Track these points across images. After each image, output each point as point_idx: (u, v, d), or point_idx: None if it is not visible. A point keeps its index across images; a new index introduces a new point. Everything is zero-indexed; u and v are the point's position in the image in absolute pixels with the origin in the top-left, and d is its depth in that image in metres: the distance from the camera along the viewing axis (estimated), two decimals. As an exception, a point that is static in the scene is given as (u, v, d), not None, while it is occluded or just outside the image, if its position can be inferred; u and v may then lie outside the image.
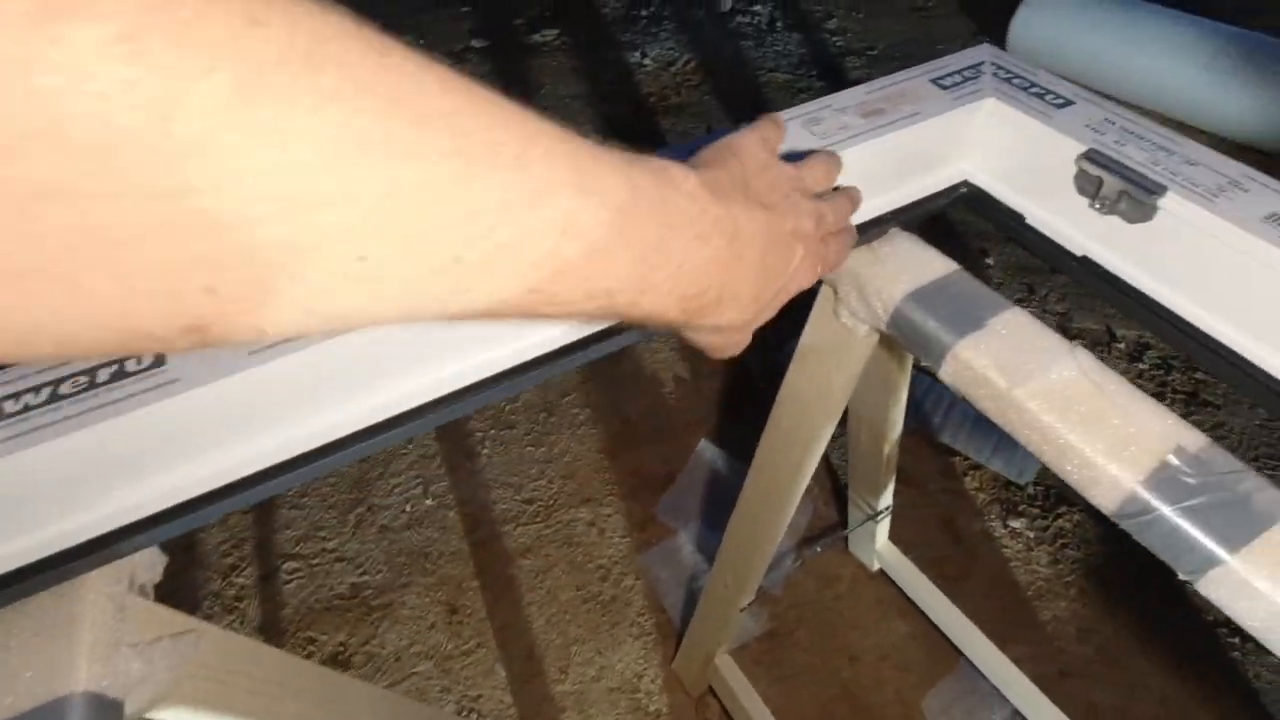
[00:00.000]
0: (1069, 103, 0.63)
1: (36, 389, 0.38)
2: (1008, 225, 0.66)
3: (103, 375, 0.39)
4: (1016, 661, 1.20)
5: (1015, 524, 1.54)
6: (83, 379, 0.39)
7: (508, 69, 2.95)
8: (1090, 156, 0.58)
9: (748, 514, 0.95)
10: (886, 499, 1.24)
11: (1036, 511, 1.56)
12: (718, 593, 1.10)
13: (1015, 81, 0.65)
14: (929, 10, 3.23)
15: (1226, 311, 0.54)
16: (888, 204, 0.63)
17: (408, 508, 1.64)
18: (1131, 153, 0.58)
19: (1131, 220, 0.58)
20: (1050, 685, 1.19)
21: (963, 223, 2.20)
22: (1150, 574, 1.39)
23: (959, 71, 0.66)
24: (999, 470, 1.59)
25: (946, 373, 0.55)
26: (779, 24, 3.18)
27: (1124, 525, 0.47)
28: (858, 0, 3.26)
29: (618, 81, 2.89)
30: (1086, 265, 0.61)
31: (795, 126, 0.59)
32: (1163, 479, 0.45)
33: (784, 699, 1.31)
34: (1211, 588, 0.44)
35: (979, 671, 1.22)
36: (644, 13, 3.21)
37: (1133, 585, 1.45)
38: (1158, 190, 0.55)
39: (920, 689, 1.32)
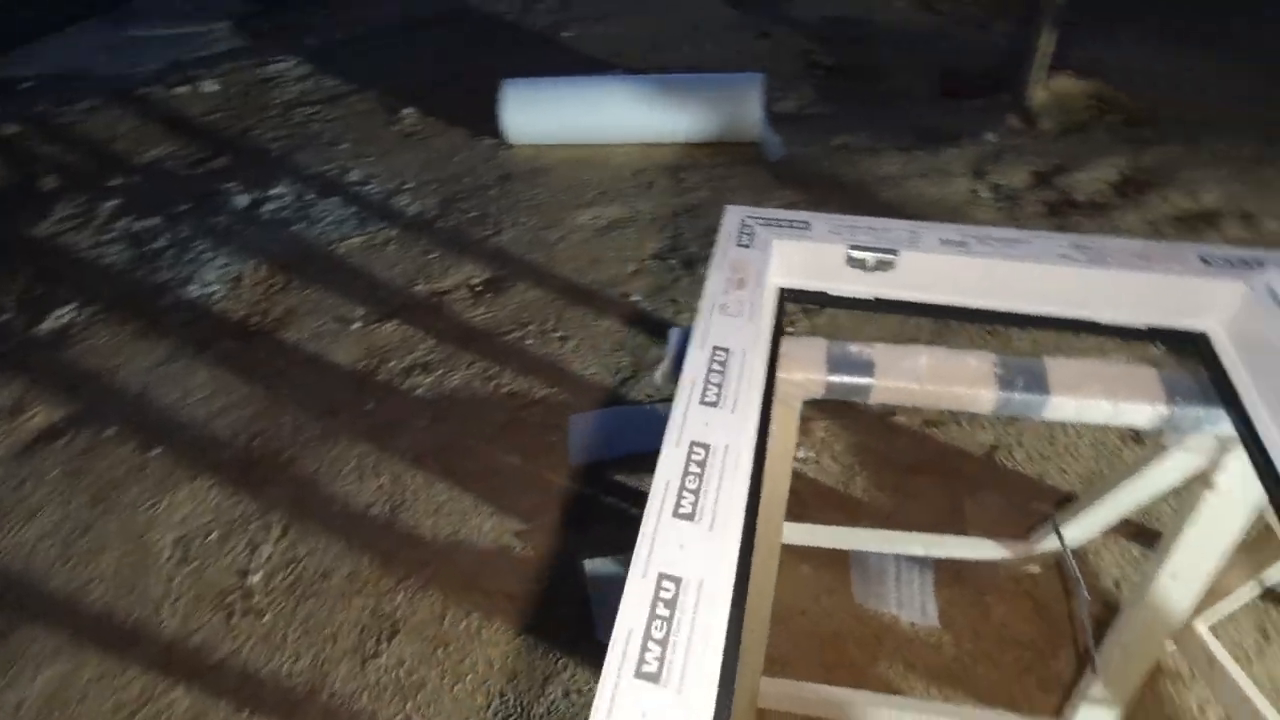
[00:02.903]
0: (808, 225, 0.99)
1: None
2: (819, 300, 1.00)
3: None
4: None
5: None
6: None
7: None
8: (852, 249, 0.95)
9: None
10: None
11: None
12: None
13: (778, 226, 0.99)
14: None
15: (954, 292, 0.97)
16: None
17: None
18: (860, 238, 0.97)
19: (885, 269, 0.97)
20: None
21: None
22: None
23: (734, 233, 0.98)
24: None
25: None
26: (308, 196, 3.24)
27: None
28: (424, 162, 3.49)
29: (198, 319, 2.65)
30: (878, 301, 0.99)
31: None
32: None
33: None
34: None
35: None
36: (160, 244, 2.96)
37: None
38: (894, 251, 0.95)
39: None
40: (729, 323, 0.87)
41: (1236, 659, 1.47)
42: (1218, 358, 0.90)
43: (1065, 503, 1.77)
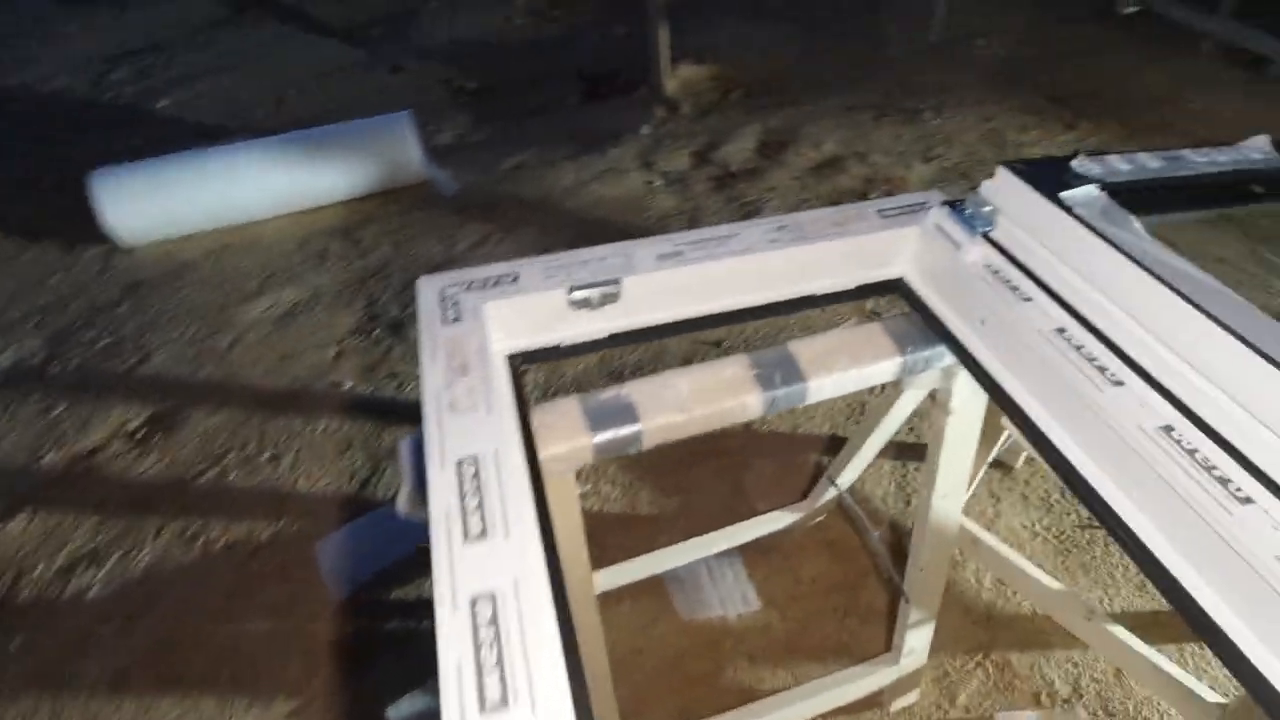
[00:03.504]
0: (516, 276, 0.86)
1: None
2: (552, 355, 0.88)
3: None
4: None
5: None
6: None
7: None
8: (572, 291, 0.85)
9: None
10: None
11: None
12: None
13: (483, 288, 0.84)
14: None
15: (687, 303, 0.92)
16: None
17: None
18: (578, 275, 0.87)
19: (612, 301, 0.88)
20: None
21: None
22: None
23: (436, 309, 0.82)
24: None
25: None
26: None
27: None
28: None
29: None
30: (613, 337, 0.90)
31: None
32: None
33: None
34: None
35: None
36: None
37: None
38: (616, 281, 0.86)
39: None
40: (465, 423, 0.70)
41: (983, 525, 1.70)
42: (916, 295, 0.97)
43: (825, 449, 1.89)
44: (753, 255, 0.91)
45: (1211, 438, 0.66)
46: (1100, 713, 1.45)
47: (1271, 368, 0.62)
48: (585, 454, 0.82)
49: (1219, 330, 0.66)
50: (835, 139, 3.35)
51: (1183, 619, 0.64)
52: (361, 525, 1.88)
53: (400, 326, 2.45)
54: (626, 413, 0.83)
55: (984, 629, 1.57)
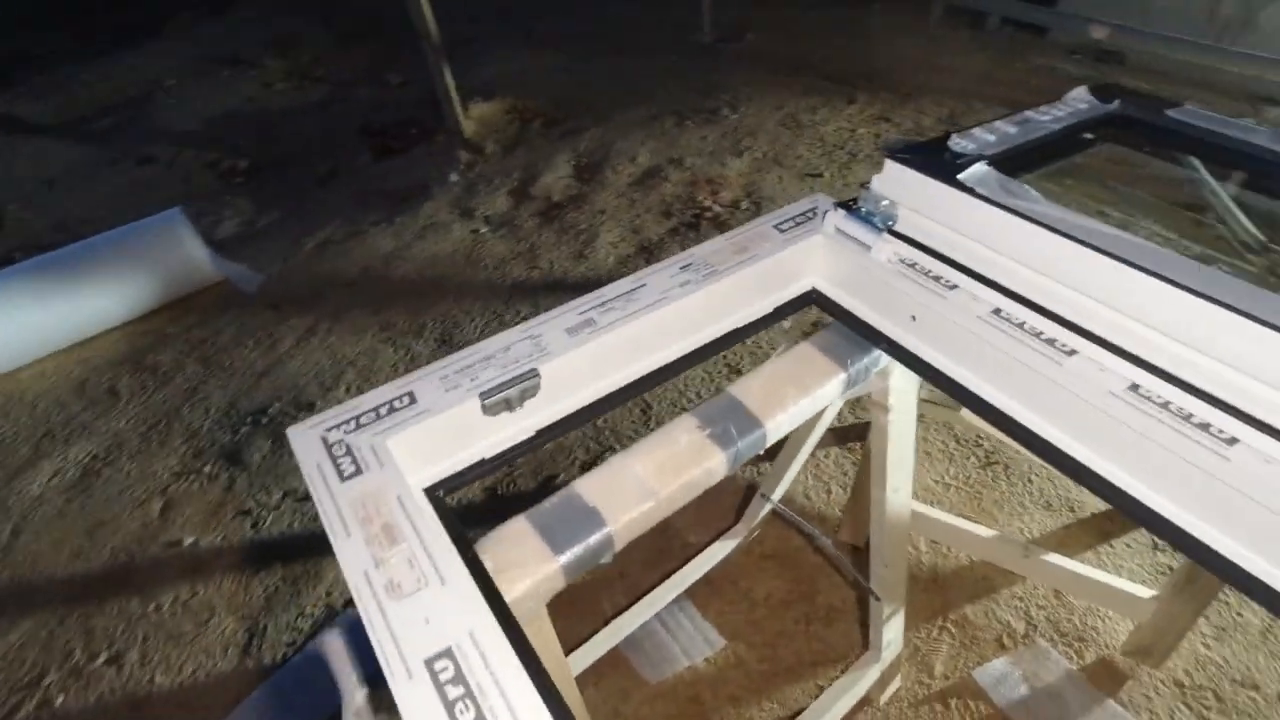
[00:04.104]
0: (413, 396, 0.71)
1: None
2: (478, 474, 0.74)
3: None
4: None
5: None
6: None
7: None
8: (484, 397, 0.71)
9: None
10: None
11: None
12: None
13: (373, 421, 0.68)
14: None
15: (612, 374, 0.81)
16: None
17: None
18: (486, 376, 0.73)
19: (532, 395, 0.75)
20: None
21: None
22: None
23: (324, 466, 0.65)
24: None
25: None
26: None
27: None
28: None
29: None
30: (539, 434, 0.77)
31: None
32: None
33: None
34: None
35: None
36: None
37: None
38: (533, 373, 0.74)
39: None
40: (417, 608, 0.55)
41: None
42: (833, 303, 0.93)
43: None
44: (668, 305, 0.82)
45: (1180, 387, 0.66)
46: (1054, 635, 1.53)
47: (1224, 311, 0.63)
48: (556, 582, 0.69)
49: (1161, 284, 0.66)
50: (647, 150, 3.37)
51: (1208, 568, 0.64)
52: (267, 690, 1.57)
53: (237, 453, 2.11)
54: (588, 518, 0.71)
55: (935, 593, 1.60)
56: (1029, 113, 1.00)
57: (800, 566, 1.66)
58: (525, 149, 3.54)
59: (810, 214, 0.95)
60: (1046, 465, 0.76)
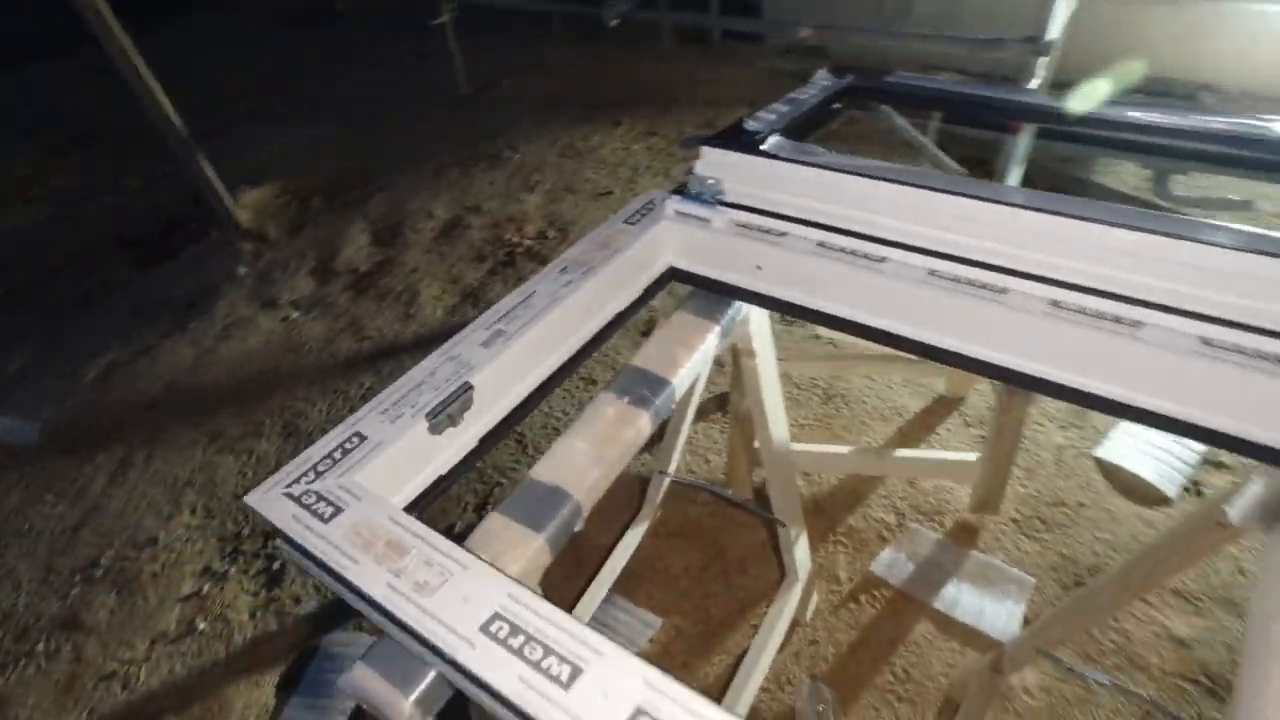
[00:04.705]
0: (358, 433, 0.75)
1: None
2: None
3: None
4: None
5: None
6: None
7: None
8: (430, 415, 0.77)
9: None
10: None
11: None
12: None
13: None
14: None
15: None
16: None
17: None
18: (425, 397, 0.79)
19: (464, 414, 0.82)
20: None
21: None
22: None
23: None
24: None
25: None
26: None
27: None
28: None
29: None
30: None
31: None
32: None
33: None
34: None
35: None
36: None
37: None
38: (469, 388, 0.80)
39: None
40: (453, 594, 0.60)
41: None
42: (690, 274, 1.09)
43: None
44: (561, 303, 0.92)
45: (965, 264, 0.88)
46: (919, 515, 1.81)
47: (967, 199, 0.86)
48: (543, 557, 0.76)
49: (932, 193, 0.89)
50: (441, 203, 3.41)
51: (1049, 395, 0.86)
52: None
53: (74, 617, 1.83)
54: (555, 495, 0.79)
55: (820, 516, 1.83)
56: (791, 95, 1.23)
57: (705, 533, 1.81)
58: (313, 227, 3.42)
59: (650, 205, 1.09)
60: (882, 349, 0.96)
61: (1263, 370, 0.72)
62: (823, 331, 2.42)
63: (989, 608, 1.64)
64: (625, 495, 1.93)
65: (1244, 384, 0.73)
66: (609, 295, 1.00)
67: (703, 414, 2.17)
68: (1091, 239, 0.84)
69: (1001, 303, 0.83)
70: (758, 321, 1.12)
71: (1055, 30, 2.21)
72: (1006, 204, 0.87)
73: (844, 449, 1.79)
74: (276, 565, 1.85)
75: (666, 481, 1.67)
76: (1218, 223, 0.82)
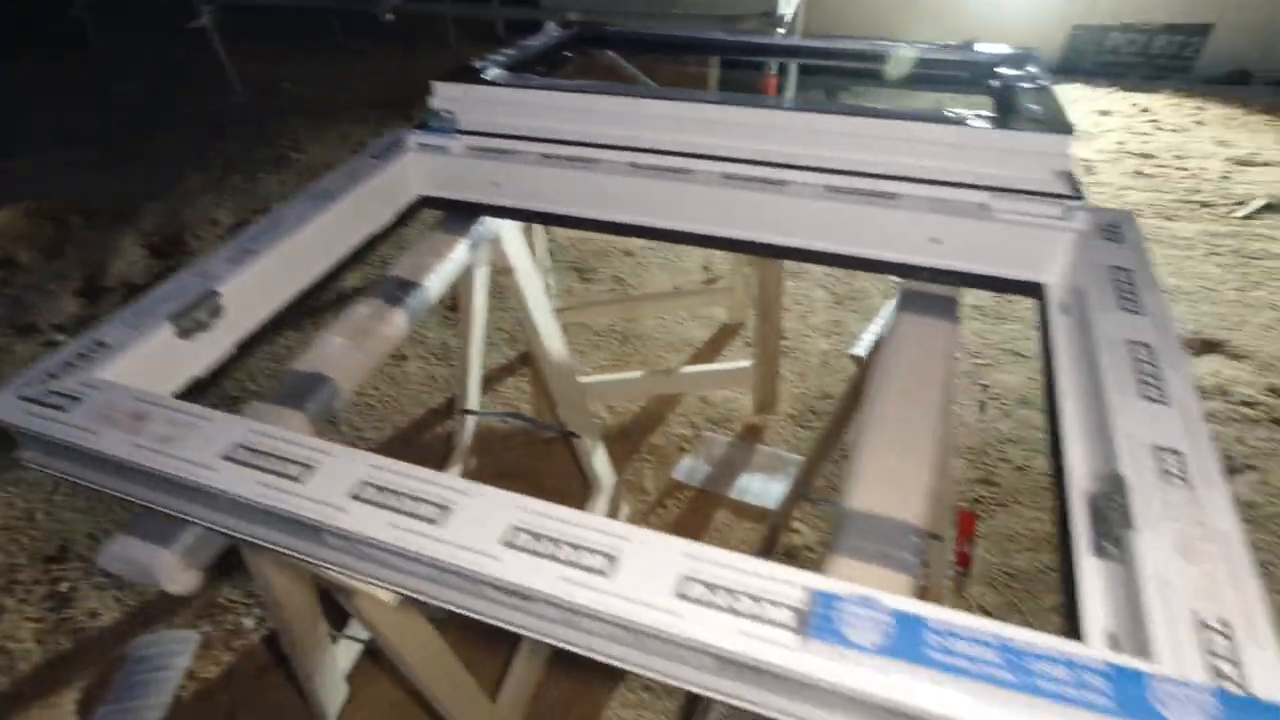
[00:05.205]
0: (101, 341, 0.79)
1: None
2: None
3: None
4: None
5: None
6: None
7: None
8: (175, 317, 0.82)
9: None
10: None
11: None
12: None
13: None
14: None
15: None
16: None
17: None
18: (170, 306, 0.84)
19: (213, 322, 0.88)
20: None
21: None
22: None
23: None
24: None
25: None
26: None
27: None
28: None
29: None
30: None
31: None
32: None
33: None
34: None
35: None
36: None
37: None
38: (215, 295, 0.86)
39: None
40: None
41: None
42: (440, 199, 1.19)
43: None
44: (309, 225, 0.99)
45: (660, 154, 1.06)
46: (712, 425, 2.04)
47: (654, 100, 1.04)
48: (305, 429, 0.84)
49: (631, 99, 1.06)
50: (226, 209, 3.24)
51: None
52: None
53: None
54: (312, 379, 0.87)
55: (626, 440, 2.00)
56: (521, 42, 1.38)
57: (516, 471, 1.92)
58: (75, 247, 3.11)
59: (396, 142, 1.19)
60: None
61: (877, 205, 0.95)
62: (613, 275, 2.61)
63: (774, 488, 1.90)
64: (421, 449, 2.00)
65: (858, 217, 0.97)
66: (360, 220, 1.08)
67: (510, 371, 2.28)
68: (745, 120, 1.04)
69: (691, 180, 1.02)
70: (511, 239, 1.25)
71: (788, 6, 2.59)
72: (687, 100, 1.05)
73: (637, 374, 1.97)
74: (65, 587, 1.72)
75: (470, 421, 1.76)
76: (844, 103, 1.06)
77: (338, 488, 0.62)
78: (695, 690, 0.58)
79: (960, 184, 0.95)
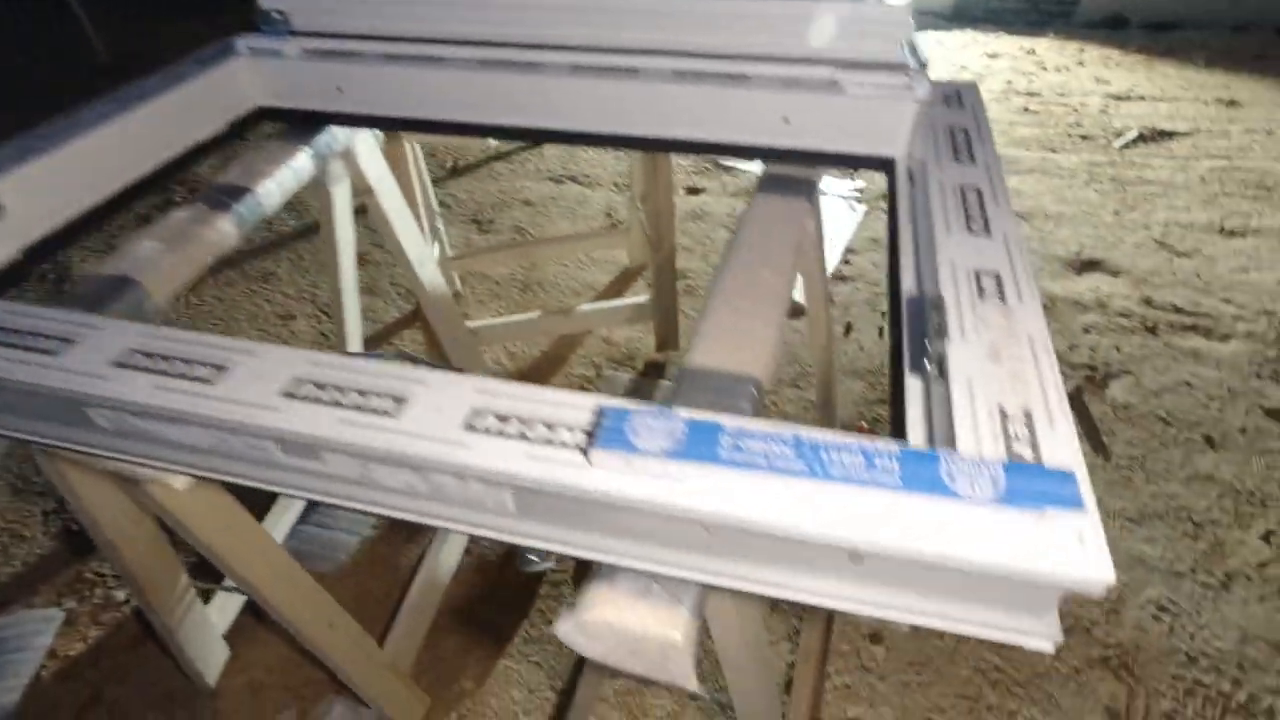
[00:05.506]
0: None
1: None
2: None
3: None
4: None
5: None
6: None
7: None
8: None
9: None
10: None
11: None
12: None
13: None
14: None
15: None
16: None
17: None
18: None
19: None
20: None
21: None
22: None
23: None
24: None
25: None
26: None
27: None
28: None
29: None
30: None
31: None
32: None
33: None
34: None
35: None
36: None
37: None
38: None
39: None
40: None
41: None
42: (280, 109, 1.10)
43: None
44: (110, 124, 0.90)
45: (510, 48, 1.01)
46: (614, 364, 2.01)
47: None
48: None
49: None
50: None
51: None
52: None
53: None
54: (117, 283, 0.79)
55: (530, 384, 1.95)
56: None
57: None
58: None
59: (225, 47, 1.09)
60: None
61: (728, 87, 0.93)
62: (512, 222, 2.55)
63: (678, 422, 1.89)
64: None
65: (710, 101, 0.94)
66: (180, 128, 0.99)
67: (408, 324, 2.19)
68: (594, 4, 0.99)
69: (540, 72, 0.97)
70: (367, 155, 1.18)
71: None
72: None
73: (535, 315, 1.92)
74: (-91, 576, 1.57)
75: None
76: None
77: (102, 358, 0.56)
78: (495, 536, 0.54)
79: (809, 59, 0.94)
